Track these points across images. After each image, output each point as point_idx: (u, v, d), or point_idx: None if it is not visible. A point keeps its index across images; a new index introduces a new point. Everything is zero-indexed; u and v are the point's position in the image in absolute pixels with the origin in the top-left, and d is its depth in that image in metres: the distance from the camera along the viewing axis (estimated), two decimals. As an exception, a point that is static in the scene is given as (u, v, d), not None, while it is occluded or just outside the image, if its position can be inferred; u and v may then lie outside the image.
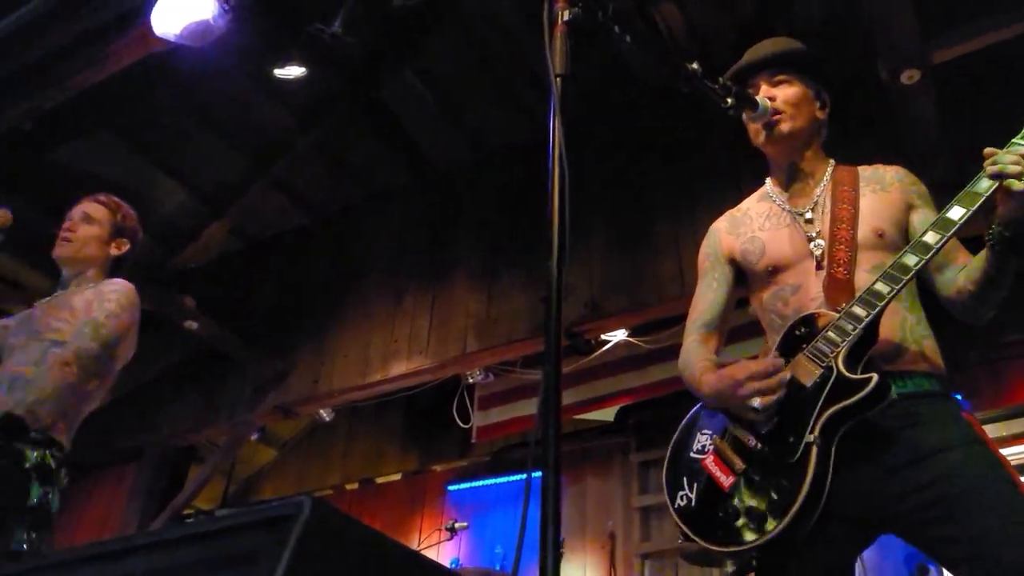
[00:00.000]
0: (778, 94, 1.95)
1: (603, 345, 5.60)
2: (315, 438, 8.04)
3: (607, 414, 6.15)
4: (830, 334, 1.66)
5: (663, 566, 5.81)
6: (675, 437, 1.87)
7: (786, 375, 1.64)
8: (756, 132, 1.99)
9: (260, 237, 6.60)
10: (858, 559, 4.20)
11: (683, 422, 1.89)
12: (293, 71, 4.75)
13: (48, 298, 2.61)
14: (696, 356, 1.92)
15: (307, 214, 6.44)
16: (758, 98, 1.89)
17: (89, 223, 2.65)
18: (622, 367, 5.75)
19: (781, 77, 1.97)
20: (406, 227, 5.91)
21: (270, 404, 5.68)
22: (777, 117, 1.93)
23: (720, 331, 2.00)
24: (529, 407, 6.14)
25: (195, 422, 6.02)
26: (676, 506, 1.74)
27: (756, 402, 1.63)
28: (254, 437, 6.64)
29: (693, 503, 1.71)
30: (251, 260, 6.59)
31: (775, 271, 1.89)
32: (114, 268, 2.69)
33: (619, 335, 5.46)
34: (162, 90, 5.12)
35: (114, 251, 2.67)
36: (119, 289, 2.50)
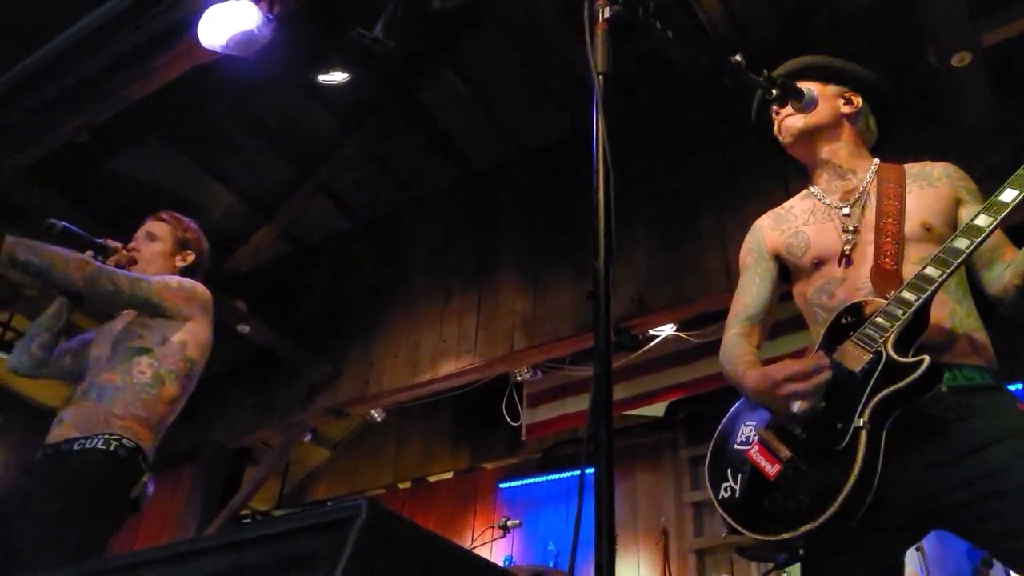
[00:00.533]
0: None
1: (650, 340, 5.56)
2: (367, 438, 8.14)
3: (656, 409, 6.12)
4: (879, 320, 1.64)
5: (717, 561, 5.77)
6: (718, 430, 1.86)
7: (826, 377, 1.62)
8: (779, 138, 2.05)
9: (308, 241, 6.70)
10: (919, 552, 4.13)
11: (727, 415, 1.88)
12: (336, 76, 4.81)
13: (127, 311, 2.70)
14: (739, 351, 1.91)
15: (353, 217, 6.52)
16: (804, 88, 1.88)
17: (152, 240, 2.75)
18: (670, 362, 5.71)
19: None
20: (451, 227, 5.94)
21: (322, 405, 5.76)
22: (789, 119, 1.99)
23: (763, 325, 1.99)
24: (578, 404, 6.13)
25: (249, 424, 6.13)
26: (720, 498, 1.73)
27: (795, 406, 1.62)
28: (307, 438, 6.74)
29: (737, 494, 1.69)
30: (299, 264, 6.69)
31: (820, 264, 1.89)
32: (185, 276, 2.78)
33: (667, 330, 5.42)
34: (210, 99, 5.22)
35: (179, 263, 2.77)
36: (184, 279, 2.64)
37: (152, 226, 2.78)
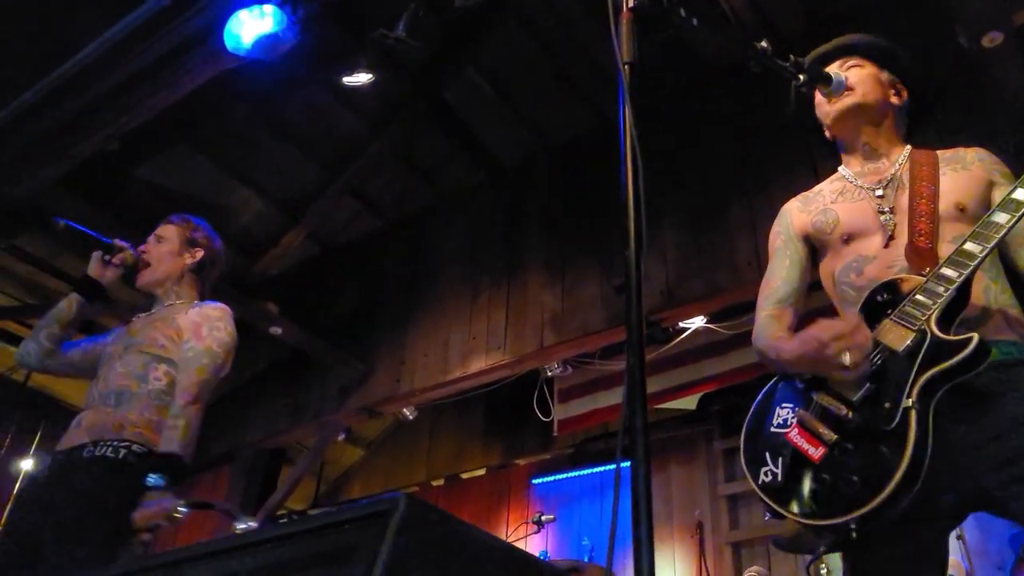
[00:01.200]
0: (847, 74, 1.98)
1: (681, 333, 5.53)
2: (399, 437, 8.19)
3: (689, 402, 6.09)
4: (919, 297, 1.62)
5: (754, 554, 5.73)
6: (750, 412, 1.83)
7: (867, 329, 1.61)
8: (826, 111, 2.01)
9: (336, 242, 6.75)
10: (961, 541, 4.07)
11: (758, 397, 1.85)
12: (361, 77, 4.83)
13: (146, 313, 2.75)
14: (772, 329, 1.89)
15: (380, 217, 6.55)
16: (832, 72, 1.86)
17: (160, 242, 2.81)
18: (702, 354, 5.67)
19: (852, 62, 2.01)
20: (477, 225, 5.95)
21: (354, 405, 5.80)
22: (846, 91, 1.95)
23: (794, 308, 1.96)
24: (609, 398, 6.12)
25: (284, 425, 6.19)
26: (760, 482, 1.69)
27: (846, 358, 1.59)
28: (341, 438, 6.79)
29: (779, 478, 1.66)
30: (329, 265, 6.74)
31: (849, 240, 1.88)
32: (196, 276, 2.84)
33: (697, 322, 5.38)
34: (236, 104, 5.28)
35: (188, 260, 2.81)
36: (224, 316, 2.67)
37: (160, 230, 2.85)
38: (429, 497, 7.66)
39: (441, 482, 7.81)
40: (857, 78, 1.97)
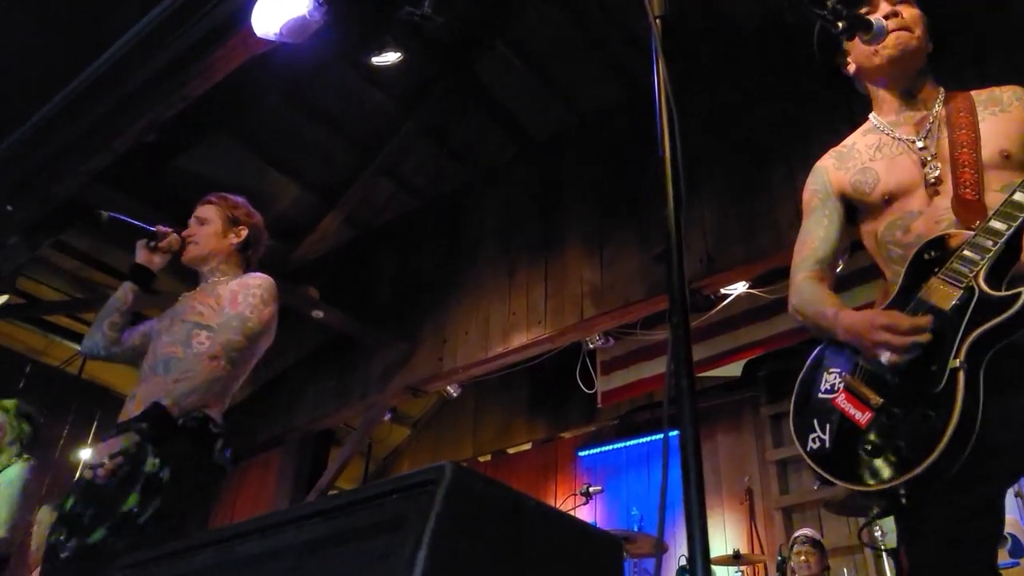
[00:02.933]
0: (903, 11, 1.86)
1: (723, 300, 5.47)
2: (445, 414, 8.26)
3: (734, 369, 6.04)
4: (967, 253, 1.57)
5: (805, 518, 5.68)
6: (799, 380, 1.79)
7: (925, 339, 1.54)
8: (870, 54, 1.89)
9: (373, 224, 6.78)
10: (1020, 499, 3.99)
11: (806, 364, 1.80)
12: (389, 57, 4.82)
13: (191, 292, 2.78)
14: (819, 293, 1.83)
15: (416, 197, 6.56)
16: (871, 19, 1.79)
17: (203, 224, 2.81)
18: (746, 320, 5.61)
19: None
20: (513, 200, 5.93)
21: (399, 384, 5.85)
22: (905, 33, 1.84)
23: (832, 268, 1.90)
24: (652, 368, 6.09)
25: (331, 407, 6.27)
26: (809, 449, 1.66)
27: (884, 356, 1.57)
28: (387, 417, 6.87)
29: (827, 444, 1.63)
30: (367, 247, 6.77)
31: (891, 199, 1.80)
32: (242, 255, 2.85)
33: (739, 288, 5.32)
34: (269, 90, 5.30)
35: (233, 239, 2.82)
36: (263, 284, 2.64)
37: (201, 211, 2.85)
38: (477, 473, 7.72)
39: (488, 458, 7.87)
40: (912, 18, 1.86)
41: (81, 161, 4.38)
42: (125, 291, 2.75)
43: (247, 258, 2.87)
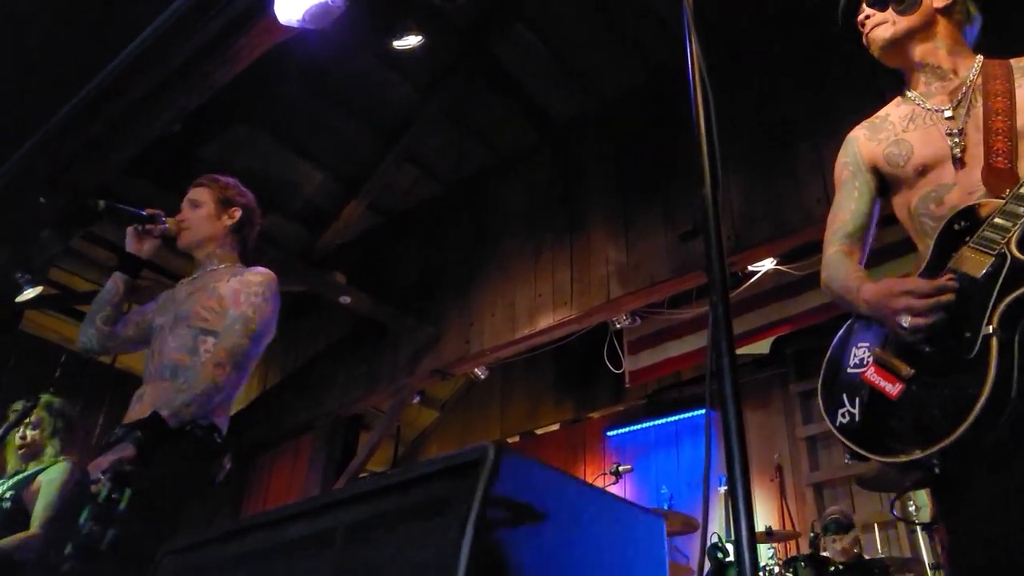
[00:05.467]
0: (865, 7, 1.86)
1: (751, 277, 5.44)
2: (472, 396, 8.30)
3: (761, 347, 6.01)
4: (998, 220, 1.55)
5: (836, 494, 5.67)
6: (828, 356, 1.77)
7: (948, 300, 1.53)
8: (872, 45, 1.89)
9: (398, 209, 6.79)
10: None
11: (835, 339, 1.79)
12: (410, 40, 4.82)
13: (189, 279, 2.74)
14: (846, 267, 1.82)
15: (439, 181, 6.56)
16: None
17: (195, 207, 2.75)
18: (773, 297, 5.58)
19: None
20: (537, 183, 5.92)
21: (426, 368, 5.88)
22: (876, 31, 1.85)
23: (864, 241, 1.88)
24: (680, 347, 6.08)
25: (360, 392, 6.33)
26: (838, 424, 1.64)
27: (905, 321, 1.54)
28: (415, 400, 6.91)
29: (857, 418, 1.61)
30: (392, 232, 6.80)
31: (924, 171, 1.78)
32: (237, 235, 2.79)
33: (767, 265, 5.28)
34: (291, 78, 5.32)
35: (227, 221, 2.75)
36: (263, 280, 2.59)
37: (193, 193, 2.79)
38: (505, 455, 7.75)
39: (516, 439, 7.90)
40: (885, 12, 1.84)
41: (110, 153, 4.42)
42: (115, 282, 2.70)
43: (243, 238, 2.80)
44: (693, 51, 1.24)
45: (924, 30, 1.84)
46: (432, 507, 1.01)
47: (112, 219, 2.72)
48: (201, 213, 2.73)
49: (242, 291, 2.54)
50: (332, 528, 1.14)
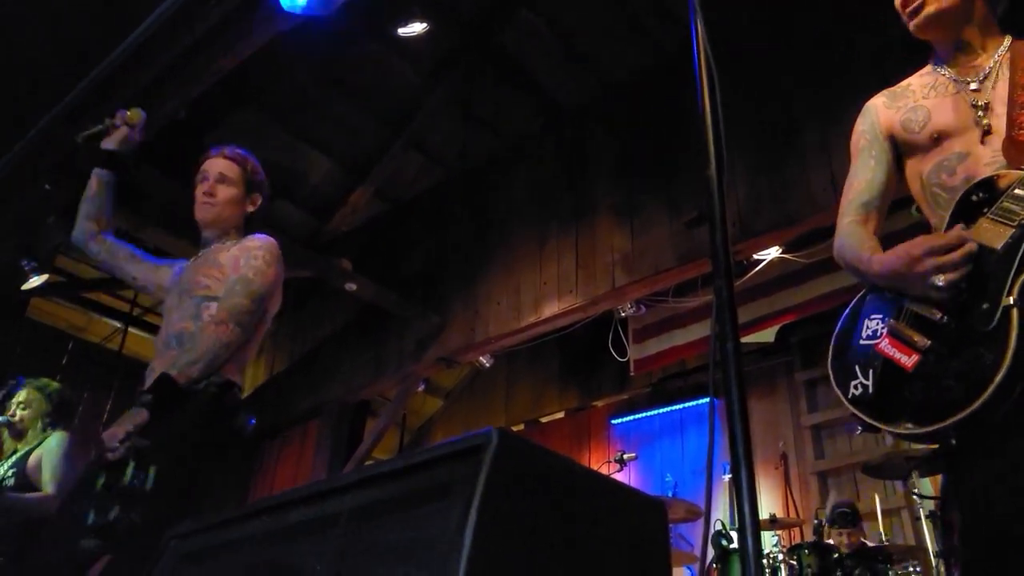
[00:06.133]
0: None
1: (756, 265, 5.43)
2: (478, 384, 8.31)
3: (767, 335, 6.00)
4: (1018, 191, 1.54)
5: (841, 483, 5.67)
6: (837, 329, 1.75)
7: (971, 248, 1.52)
8: (913, 17, 1.84)
9: (404, 196, 6.79)
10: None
11: (845, 312, 1.77)
12: (415, 27, 4.80)
13: (194, 258, 2.70)
14: (859, 237, 1.80)
15: (446, 169, 6.56)
16: None
17: (227, 184, 2.69)
18: (779, 285, 5.57)
19: None
20: (543, 170, 5.91)
21: (432, 356, 5.89)
22: (915, 7, 1.80)
23: (880, 212, 1.85)
24: (685, 336, 6.08)
25: (366, 379, 6.35)
26: (851, 396, 1.62)
27: (939, 280, 1.52)
28: (421, 388, 6.92)
29: (871, 390, 1.59)
30: (398, 219, 6.80)
31: (939, 139, 1.76)
32: (247, 223, 2.75)
33: (772, 253, 5.27)
34: (297, 65, 5.31)
35: (249, 208, 2.72)
36: (263, 244, 2.56)
37: (223, 166, 2.72)
38: (510, 442, 7.77)
39: (521, 427, 7.92)
40: None
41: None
42: (96, 178, 2.70)
43: (250, 220, 2.76)
44: (699, 34, 1.23)
45: (964, 10, 1.81)
46: (436, 492, 1.01)
47: (94, 146, 2.74)
48: (230, 193, 2.68)
49: (241, 256, 2.53)
50: (336, 513, 1.14)
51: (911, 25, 1.84)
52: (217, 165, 2.72)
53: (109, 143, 2.74)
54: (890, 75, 2.04)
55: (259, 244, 2.57)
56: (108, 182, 2.71)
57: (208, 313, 2.45)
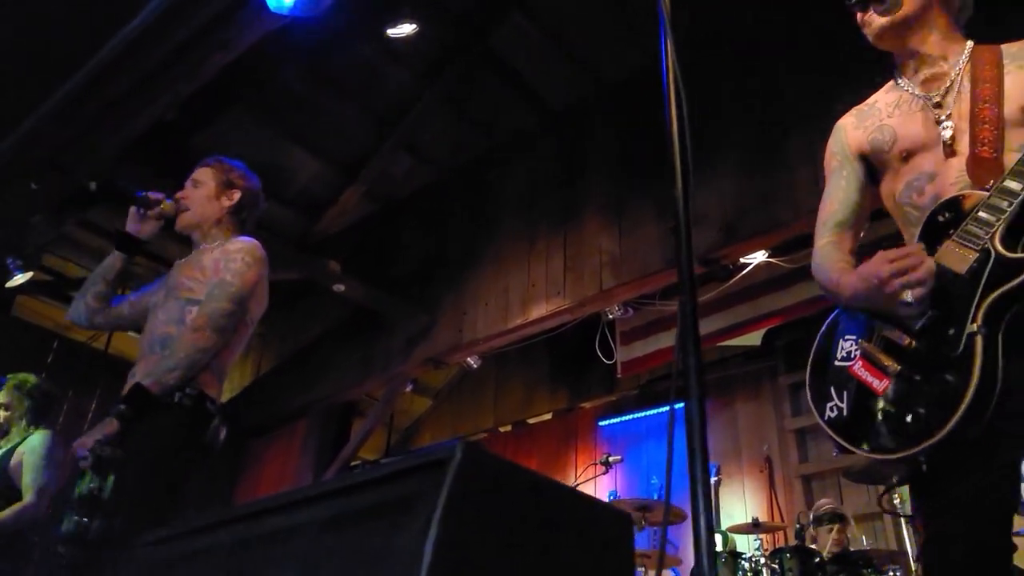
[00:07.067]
0: None
1: (742, 269, 5.45)
2: (466, 385, 8.32)
3: (753, 339, 6.03)
4: (981, 214, 1.54)
5: (825, 486, 5.70)
6: (814, 348, 1.78)
7: (931, 263, 1.53)
8: (867, 28, 1.85)
9: (394, 197, 6.79)
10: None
11: (821, 331, 1.79)
12: (405, 28, 4.80)
13: (184, 259, 2.75)
14: (831, 259, 1.82)
15: (436, 169, 6.56)
16: None
17: (197, 186, 2.77)
18: (765, 289, 5.59)
19: None
20: (533, 171, 5.92)
21: (420, 356, 5.90)
22: (877, 20, 1.80)
23: (855, 231, 1.87)
24: (671, 338, 6.09)
25: (353, 379, 6.35)
26: (826, 418, 1.66)
27: (908, 296, 1.54)
28: (408, 388, 6.94)
29: (845, 412, 1.62)
30: (388, 220, 6.80)
31: (908, 156, 1.76)
32: (235, 218, 2.79)
33: (758, 257, 5.29)
34: (287, 66, 5.31)
35: (226, 202, 2.76)
36: (244, 247, 2.60)
37: (196, 174, 2.81)
38: (497, 443, 7.80)
39: (509, 428, 7.93)
40: None
41: (103, 139, 4.42)
42: (114, 260, 2.71)
43: (241, 221, 2.80)
44: (668, 50, 1.24)
45: (920, 18, 1.80)
46: (401, 504, 1.02)
47: (108, 200, 2.74)
48: (201, 193, 2.75)
49: (222, 259, 2.56)
50: (304, 523, 1.15)
51: (870, 36, 1.85)
52: (193, 174, 2.81)
53: (138, 230, 2.75)
54: (880, 84, 2.06)
55: (240, 247, 2.59)
56: (125, 263, 2.74)
57: (190, 317, 2.47)
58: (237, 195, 2.79)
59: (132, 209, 2.74)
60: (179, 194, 2.76)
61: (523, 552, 1.01)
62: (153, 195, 2.72)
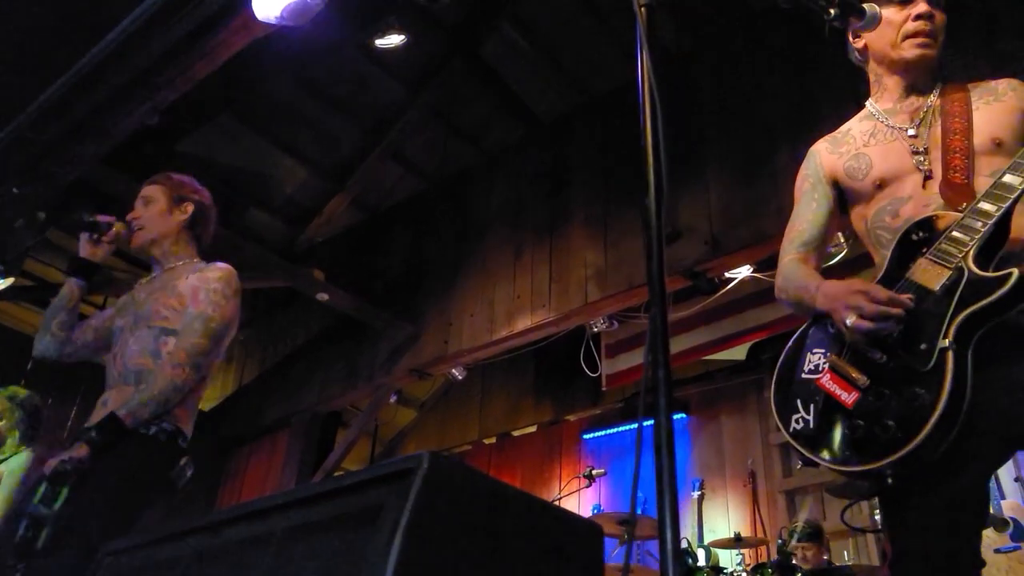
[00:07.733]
0: (936, 16, 1.85)
1: (728, 283, 5.46)
2: (451, 397, 8.29)
3: (738, 352, 6.04)
4: (955, 234, 1.57)
5: (807, 501, 5.70)
6: (781, 360, 1.78)
7: (898, 312, 1.55)
8: (888, 46, 1.88)
9: (381, 206, 6.79)
10: (1021, 484, 3.98)
11: (788, 344, 1.80)
12: (393, 39, 4.81)
13: (147, 279, 2.71)
14: (801, 272, 1.85)
15: (423, 179, 6.57)
16: (865, 6, 1.78)
17: (147, 204, 2.72)
18: (750, 303, 5.60)
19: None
20: (520, 182, 5.92)
21: (405, 367, 5.87)
22: (927, 47, 1.84)
23: (819, 252, 1.93)
24: (657, 351, 6.09)
25: (337, 389, 6.32)
26: (792, 430, 1.66)
27: (850, 319, 1.57)
28: (392, 399, 6.91)
29: (811, 425, 1.62)
30: (374, 229, 6.79)
31: (882, 185, 1.81)
32: (191, 233, 2.75)
33: (743, 271, 5.30)
34: (275, 74, 5.30)
35: (180, 216, 2.72)
36: (223, 276, 2.56)
37: (145, 191, 2.76)
38: (482, 455, 7.77)
39: (493, 440, 7.90)
40: (939, 25, 1.85)
41: (86, 144, 4.39)
42: (70, 288, 2.66)
43: (197, 236, 2.76)
44: (644, 65, 1.24)
45: (937, 59, 1.88)
46: (367, 513, 1.01)
47: (59, 227, 2.70)
48: (153, 210, 2.70)
49: (201, 288, 2.52)
50: (270, 532, 1.14)
51: (910, 52, 1.85)
52: (142, 191, 2.76)
53: (91, 254, 2.71)
54: (864, 100, 2.08)
55: (218, 275, 2.56)
56: (82, 289, 2.69)
57: (167, 350, 2.43)
58: (191, 208, 2.74)
59: (83, 235, 2.69)
60: (130, 215, 2.70)
61: (489, 561, 1.00)
62: (103, 219, 2.69)
